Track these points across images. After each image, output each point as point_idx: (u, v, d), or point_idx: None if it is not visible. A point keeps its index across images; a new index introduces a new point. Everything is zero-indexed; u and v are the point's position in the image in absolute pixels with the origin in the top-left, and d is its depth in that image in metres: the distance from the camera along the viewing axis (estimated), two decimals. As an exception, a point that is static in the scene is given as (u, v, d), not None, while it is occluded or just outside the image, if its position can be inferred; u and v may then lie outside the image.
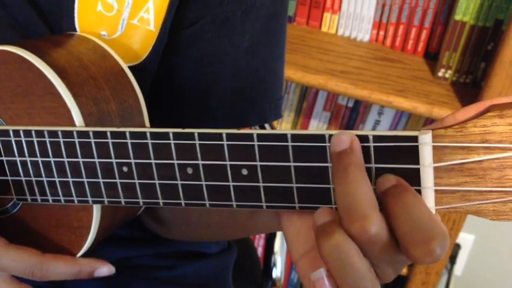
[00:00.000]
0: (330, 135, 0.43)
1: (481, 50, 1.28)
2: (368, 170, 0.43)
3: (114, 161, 0.52)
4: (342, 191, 0.42)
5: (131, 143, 0.50)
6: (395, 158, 0.42)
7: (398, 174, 0.42)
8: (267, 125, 0.78)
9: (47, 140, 0.54)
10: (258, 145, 0.46)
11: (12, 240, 0.58)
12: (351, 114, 1.50)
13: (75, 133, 0.53)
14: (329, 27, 1.43)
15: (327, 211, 0.44)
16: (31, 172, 0.57)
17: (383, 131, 0.42)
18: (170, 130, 0.48)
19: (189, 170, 0.49)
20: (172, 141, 0.48)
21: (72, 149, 0.53)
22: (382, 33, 1.39)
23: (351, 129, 1.51)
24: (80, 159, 0.53)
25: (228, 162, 0.47)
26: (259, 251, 1.73)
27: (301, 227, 0.50)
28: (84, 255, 0.60)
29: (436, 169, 0.42)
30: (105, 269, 0.58)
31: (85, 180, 0.54)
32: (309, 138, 0.44)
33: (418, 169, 0.42)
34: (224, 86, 0.71)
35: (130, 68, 0.62)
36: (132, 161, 0.51)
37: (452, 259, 1.69)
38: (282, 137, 0.45)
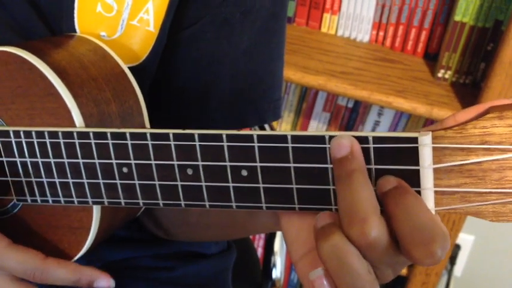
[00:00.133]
0: (330, 137, 0.43)
1: (481, 51, 1.28)
2: (368, 171, 0.43)
3: (114, 161, 0.52)
4: (344, 196, 0.43)
5: (131, 144, 0.50)
6: (395, 159, 0.42)
7: (398, 175, 0.43)
8: (266, 126, 0.78)
9: (47, 140, 0.54)
10: (258, 146, 0.46)
11: (13, 241, 0.58)
12: (350, 115, 1.50)
13: (75, 134, 0.53)
14: (329, 28, 1.43)
15: (328, 214, 0.45)
16: (31, 173, 0.57)
17: (383, 132, 0.42)
18: (170, 131, 0.48)
19: (189, 171, 0.49)
20: (172, 142, 0.48)
21: (72, 150, 0.53)
22: (381, 33, 1.39)
23: (351, 130, 1.51)
24: (80, 160, 0.53)
25: (228, 163, 0.47)
26: (259, 251, 1.73)
27: (300, 228, 0.50)
28: (84, 256, 0.60)
29: (435, 170, 0.42)
30: (104, 282, 0.58)
31: (85, 181, 0.54)
32: (309, 140, 0.44)
33: (418, 170, 0.42)
34: (223, 87, 0.71)
35: (130, 68, 0.62)
36: (132, 161, 0.51)
37: (452, 260, 1.69)
38: (282, 138, 0.45)
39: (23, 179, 0.57)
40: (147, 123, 0.62)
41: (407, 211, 0.41)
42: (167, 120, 0.71)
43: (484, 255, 1.78)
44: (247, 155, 0.46)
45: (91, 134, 0.52)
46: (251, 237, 1.45)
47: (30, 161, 0.56)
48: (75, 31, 0.64)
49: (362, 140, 0.43)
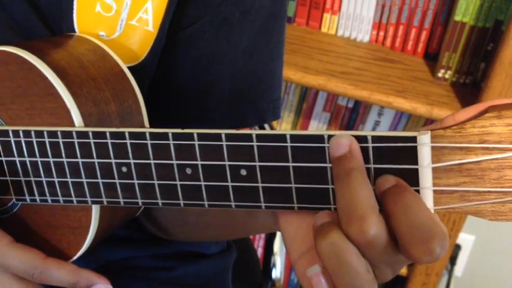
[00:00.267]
0: (329, 136, 0.43)
1: (481, 51, 1.28)
2: (367, 170, 0.43)
3: (113, 161, 0.52)
4: (343, 195, 0.43)
5: (130, 143, 0.50)
6: (394, 159, 0.42)
7: (397, 174, 0.42)
8: (266, 126, 0.78)
9: (46, 140, 0.54)
10: (257, 145, 0.46)
11: None
12: (350, 115, 1.50)
13: (74, 133, 0.53)
14: (329, 28, 1.43)
15: (327, 213, 0.45)
16: (30, 172, 0.57)
17: (382, 131, 0.42)
18: (169, 130, 0.48)
19: (188, 171, 0.49)
20: (171, 142, 0.48)
21: (71, 150, 0.53)
22: (382, 33, 1.39)
23: (351, 130, 1.51)
24: (79, 160, 0.53)
25: (227, 163, 0.47)
26: (259, 251, 1.73)
27: (299, 227, 0.50)
28: (84, 256, 0.60)
29: (434, 169, 0.42)
30: (102, 286, 0.58)
31: (84, 180, 0.54)
32: (308, 139, 0.44)
33: (417, 169, 0.42)
34: (222, 87, 0.71)
35: (129, 68, 0.62)
36: (131, 161, 0.51)
37: (453, 260, 1.69)
38: (281, 138, 0.45)
39: (22, 179, 0.57)
40: (146, 123, 0.62)
41: (406, 209, 0.41)
42: (167, 120, 0.71)
43: (484, 255, 1.78)
44: (246, 154, 0.46)
45: (90, 134, 0.52)
46: (251, 237, 1.45)
47: (29, 161, 0.56)
48: (74, 31, 0.64)
49: (361, 139, 0.43)
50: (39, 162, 0.56)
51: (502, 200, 0.41)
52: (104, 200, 0.54)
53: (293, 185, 0.46)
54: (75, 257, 0.60)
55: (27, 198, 0.58)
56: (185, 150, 0.48)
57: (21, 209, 0.61)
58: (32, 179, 0.57)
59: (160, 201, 0.52)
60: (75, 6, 0.64)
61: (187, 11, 0.66)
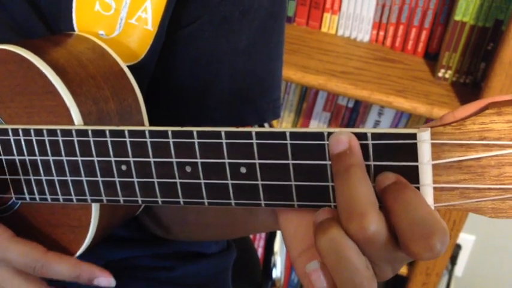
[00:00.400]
0: (329, 133, 0.43)
1: (481, 51, 1.28)
2: (367, 167, 0.43)
3: (112, 159, 0.52)
4: (342, 191, 0.42)
5: (130, 141, 0.50)
6: (394, 156, 0.42)
7: (397, 171, 0.42)
8: (266, 125, 0.78)
9: (46, 138, 0.54)
10: (257, 143, 0.45)
11: None
12: (351, 115, 1.50)
13: (74, 132, 0.53)
14: (329, 28, 1.43)
15: (327, 210, 0.45)
16: (30, 171, 0.57)
17: (382, 128, 0.42)
18: (169, 128, 0.48)
19: (188, 169, 0.49)
20: (171, 140, 0.48)
21: (71, 148, 0.53)
22: (382, 33, 1.39)
23: (351, 129, 1.51)
24: (79, 158, 0.53)
25: (226, 161, 0.47)
26: (259, 251, 1.73)
27: (299, 224, 0.50)
28: (84, 255, 0.60)
29: (434, 166, 0.42)
30: (104, 280, 0.58)
31: (84, 179, 0.54)
32: (307, 136, 0.44)
33: (417, 166, 0.42)
34: (222, 86, 0.71)
35: (128, 67, 0.62)
36: (131, 159, 0.51)
37: (453, 260, 1.69)
38: (281, 135, 0.45)
39: (22, 177, 0.57)
40: (146, 122, 0.62)
41: (406, 206, 0.41)
42: (166, 119, 0.71)
43: (484, 255, 1.78)
44: (246, 152, 0.46)
45: (89, 132, 0.52)
46: (251, 236, 1.45)
47: (29, 159, 0.56)
48: (73, 30, 0.64)
49: (361, 136, 0.43)
50: (39, 161, 0.56)
51: (502, 197, 0.41)
52: (104, 198, 0.54)
53: (293, 183, 0.46)
54: (75, 256, 0.60)
55: (27, 196, 0.58)
56: (185, 148, 0.48)
57: (21, 207, 0.61)
58: (32, 177, 0.57)
59: (159, 200, 0.52)
60: (74, 6, 0.64)
61: (187, 10, 0.66)
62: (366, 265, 0.42)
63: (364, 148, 0.43)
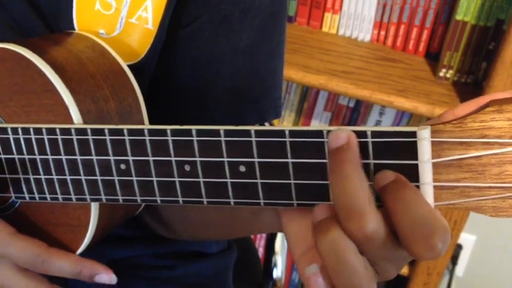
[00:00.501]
0: (328, 131, 0.43)
1: (482, 50, 1.28)
2: (366, 165, 0.43)
3: (112, 158, 0.52)
4: (337, 188, 0.42)
5: (129, 140, 0.50)
6: (394, 154, 0.42)
7: (397, 170, 0.42)
8: (267, 124, 0.78)
9: (45, 137, 0.54)
10: (256, 141, 0.45)
11: None
12: (351, 115, 1.50)
13: (73, 130, 0.53)
14: (330, 27, 1.43)
15: (325, 207, 0.44)
16: (29, 170, 0.56)
17: (381, 126, 0.42)
18: (168, 127, 0.48)
19: (187, 167, 0.49)
20: (169, 138, 0.48)
21: (70, 147, 0.53)
22: (383, 33, 1.39)
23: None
24: (78, 157, 0.53)
25: (225, 159, 0.47)
26: (260, 251, 1.73)
27: (301, 225, 0.50)
28: (84, 254, 0.60)
29: (434, 165, 0.41)
30: (105, 276, 0.58)
31: (83, 178, 0.54)
32: (307, 134, 0.44)
33: (417, 165, 0.41)
34: (222, 86, 0.71)
35: (129, 66, 0.62)
36: (130, 158, 0.51)
37: (454, 260, 1.69)
38: (280, 133, 0.44)
39: (21, 176, 0.57)
40: (146, 121, 0.62)
41: (406, 206, 0.40)
42: (166, 118, 0.71)
43: (485, 255, 1.78)
44: (245, 150, 0.46)
45: (89, 130, 0.52)
46: (252, 236, 1.44)
47: (28, 158, 0.56)
48: (73, 29, 0.64)
49: (360, 134, 0.42)
50: (38, 160, 0.55)
51: (503, 196, 0.41)
52: (103, 197, 0.54)
53: (292, 181, 0.46)
54: (80, 257, 0.60)
55: (26, 196, 0.58)
56: (184, 147, 0.48)
57: (21, 206, 0.61)
58: (31, 176, 0.57)
59: (158, 199, 0.51)
60: (74, 5, 0.64)
61: (187, 10, 0.66)
62: (365, 265, 0.42)
63: (363, 146, 0.42)
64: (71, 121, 0.54)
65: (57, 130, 0.53)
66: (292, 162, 0.45)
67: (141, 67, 0.65)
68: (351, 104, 1.49)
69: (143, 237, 0.82)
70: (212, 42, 0.68)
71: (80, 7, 0.64)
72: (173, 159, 0.49)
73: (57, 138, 0.53)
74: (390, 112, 1.46)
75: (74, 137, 0.53)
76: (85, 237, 0.58)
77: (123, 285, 0.75)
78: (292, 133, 0.44)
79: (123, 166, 0.52)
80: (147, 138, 0.49)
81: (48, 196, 0.57)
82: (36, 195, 0.58)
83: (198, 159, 0.48)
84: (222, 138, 0.46)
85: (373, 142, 0.42)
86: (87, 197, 0.55)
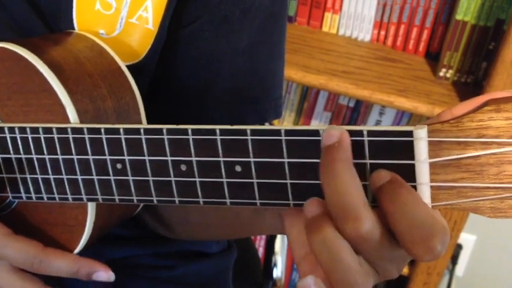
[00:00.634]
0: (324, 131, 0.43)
1: (482, 50, 1.27)
2: (362, 165, 0.42)
3: (108, 157, 0.52)
4: (328, 186, 0.42)
5: (125, 139, 0.50)
6: (391, 154, 0.41)
7: (394, 170, 0.42)
8: (267, 124, 0.78)
9: (42, 136, 0.54)
10: (252, 140, 0.45)
11: None
12: (352, 115, 1.50)
13: (69, 129, 0.52)
14: (330, 27, 1.42)
15: (316, 202, 0.44)
16: (26, 169, 0.56)
17: (378, 126, 0.41)
18: (164, 126, 0.48)
19: (183, 167, 0.48)
20: (165, 137, 0.48)
21: (66, 146, 0.53)
22: (383, 33, 1.39)
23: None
24: (74, 156, 0.53)
25: (221, 159, 0.47)
26: (260, 251, 1.73)
27: (302, 229, 0.49)
28: (83, 254, 0.60)
29: (432, 165, 0.41)
30: (103, 274, 0.58)
31: (79, 177, 0.54)
32: (303, 134, 0.43)
33: (413, 165, 0.41)
34: (222, 86, 0.70)
35: (129, 66, 0.62)
36: (126, 157, 0.51)
37: (454, 259, 1.69)
38: (276, 132, 0.44)
39: (18, 176, 0.57)
40: (144, 120, 0.61)
41: (403, 207, 0.40)
42: (166, 118, 0.70)
43: (485, 255, 1.78)
44: (241, 149, 0.46)
45: (85, 130, 0.52)
46: (252, 237, 1.44)
47: (25, 158, 0.56)
48: (73, 29, 0.64)
49: (356, 133, 0.42)
50: (35, 159, 0.55)
51: (501, 196, 0.40)
52: (99, 197, 0.54)
53: (288, 181, 0.45)
54: (77, 255, 0.60)
55: (23, 195, 0.58)
56: (180, 146, 0.48)
57: (18, 206, 0.61)
58: (28, 176, 0.57)
59: (155, 199, 0.51)
60: (74, 5, 0.63)
61: (187, 10, 0.66)
62: (359, 262, 0.42)
63: (359, 145, 0.42)
64: (68, 121, 0.54)
65: (54, 129, 0.53)
66: (288, 162, 0.45)
67: (141, 67, 0.65)
68: (351, 104, 1.49)
69: (142, 237, 0.82)
70: (212, 42, 0.68)
71: (80, 7, 0.63)
72: (169, 158, 0.49)
73: (53, 138, 0.53)
74: (390, 112, 1.46)
75: (70, 136, 0.52)
76: (82, 236, 0.58)
77: (122, 285, 0.75)
78: (288, 132, 0.44)
79: (119, 166, 0.51)
80: (143, 137, 0.49)
81: (45, 196, 0.57)
82: (33, 195, 0.58)
83: (194, 159, 0.48)
84: (218, 137, 0.46)
85: (369, 141, 0.42)
86: (84, 196, 0.55)
